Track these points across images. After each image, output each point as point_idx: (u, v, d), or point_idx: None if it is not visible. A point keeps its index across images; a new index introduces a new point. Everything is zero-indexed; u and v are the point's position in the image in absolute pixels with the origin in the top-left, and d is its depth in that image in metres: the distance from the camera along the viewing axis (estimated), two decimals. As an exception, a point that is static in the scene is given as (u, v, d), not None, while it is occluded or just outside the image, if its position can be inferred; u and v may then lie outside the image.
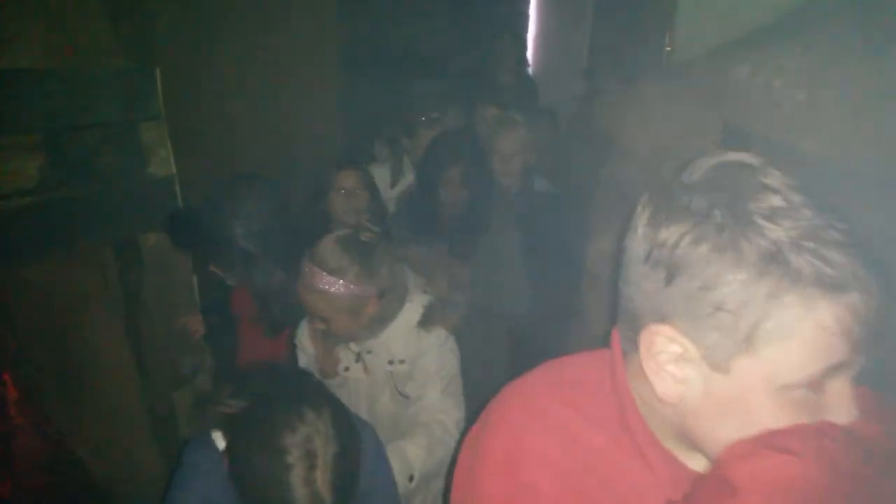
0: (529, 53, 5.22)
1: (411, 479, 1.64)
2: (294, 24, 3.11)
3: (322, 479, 1.11)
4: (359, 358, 1.80)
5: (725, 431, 0.67)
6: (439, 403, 1.76)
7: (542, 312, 2.66)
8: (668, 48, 2.62)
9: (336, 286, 1.59)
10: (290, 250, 1.87)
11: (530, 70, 4.42)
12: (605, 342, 0.82)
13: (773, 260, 0.60)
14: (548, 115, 3.43)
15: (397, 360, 1.76)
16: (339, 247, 1.62)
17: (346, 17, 3.54)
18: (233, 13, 2.81)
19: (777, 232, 0.60)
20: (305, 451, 1.11)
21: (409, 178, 2.76)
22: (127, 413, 2.27)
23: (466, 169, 2.32)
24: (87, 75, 2.18)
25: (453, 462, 0.93)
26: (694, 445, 0.74)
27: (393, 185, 2.80)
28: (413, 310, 1.78)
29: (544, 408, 0.84)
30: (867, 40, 1.25)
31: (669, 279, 0.65)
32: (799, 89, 1.30)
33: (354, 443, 1.21)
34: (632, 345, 0.74)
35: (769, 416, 0.65)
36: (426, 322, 1.77)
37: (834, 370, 0.63)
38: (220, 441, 1.29)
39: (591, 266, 2.15)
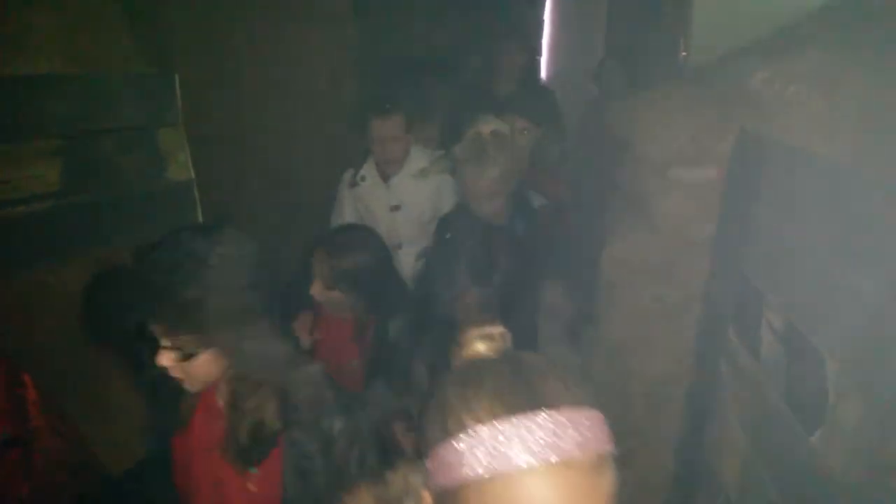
0: (544, 59, 5.24)
1: None
2: (311, 31, 3.14)
3: None
4: None
5: None
6: None
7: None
8: (684, 53, 2.62)
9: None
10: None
11: (543, 76, 4.40)
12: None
13: None
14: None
15: None
16: None
17: (361, 25, 3.57)
18: (251, 20, 2.85)
19: None
20: None
21: (368, 175, 2.79)
22: (145, 415, 2.29)
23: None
24: (107, 81, 2.22)
25: None
26: None
27: (352, 185, 2.83)
28: None
29: None
30: (884, 45, 1.24)
31: None
32: (815, 95, 1.30)
33: None
34: None
35: None
36: None
37: None
38: None
39: (606, 273, 2.13)
